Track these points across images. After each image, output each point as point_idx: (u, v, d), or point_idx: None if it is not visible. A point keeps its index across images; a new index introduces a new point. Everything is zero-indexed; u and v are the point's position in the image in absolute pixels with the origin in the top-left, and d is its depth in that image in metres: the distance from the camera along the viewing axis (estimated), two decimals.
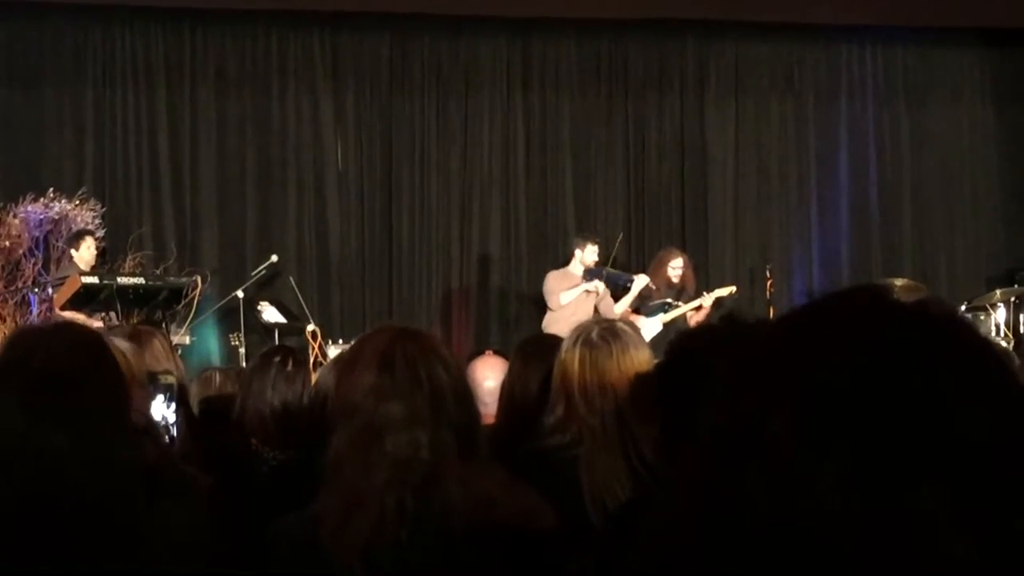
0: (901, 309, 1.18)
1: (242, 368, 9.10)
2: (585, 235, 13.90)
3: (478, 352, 11.59)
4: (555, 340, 4.68)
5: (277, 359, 5.27)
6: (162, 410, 3.69)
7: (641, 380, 3.76)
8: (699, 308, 13.49)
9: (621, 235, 13.89)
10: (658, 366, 2.88)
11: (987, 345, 1.19)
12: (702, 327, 3.08)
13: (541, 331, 13.19)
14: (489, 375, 5.11)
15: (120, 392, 2.88)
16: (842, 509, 1.08)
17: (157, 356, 5.21)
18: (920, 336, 1.14)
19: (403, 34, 15.24)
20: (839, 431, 1.09)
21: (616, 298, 13.54)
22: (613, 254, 13.66)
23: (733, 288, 14.01)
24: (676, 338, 2.82)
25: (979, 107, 16.50)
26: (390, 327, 3.27)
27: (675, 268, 13.76)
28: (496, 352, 6.71)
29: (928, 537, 1.07)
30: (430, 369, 3.04)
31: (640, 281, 13.54)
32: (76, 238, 12.95)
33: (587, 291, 13.17)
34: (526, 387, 4.51)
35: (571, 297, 13.19)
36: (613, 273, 13.60)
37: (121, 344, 3.72)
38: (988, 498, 1.07)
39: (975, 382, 1.12)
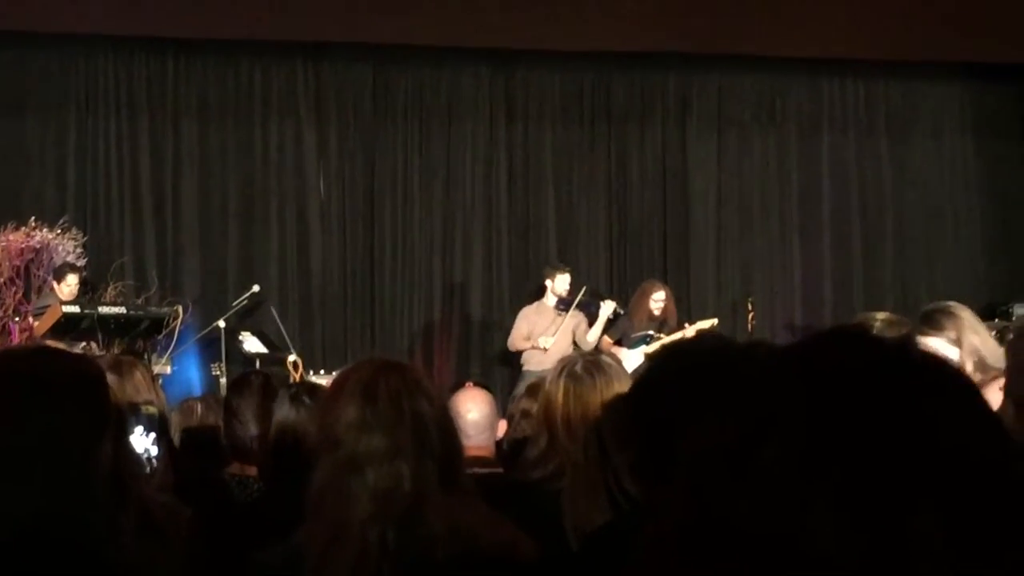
0: (888, 343, 1.19)
1: (223, 396, 9.09)
2: (556, 265, 13.97)
3: (460, 384, 11.65)
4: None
5: (257, 382, 5.26)
6: (143, 441, 3.68)
7: (617, 403, 3.74)
8: None
9: (584, 288, 13.83)
10: (633, 387, 2.88)
11: (965, 377, 1.20)
12: (676, 345, 3.07)
13: (521, 365, 13.31)
14: (471, 407, 5.09)
15: (111, 425, 2.86)
16: (836, 532, 1.08)
17: (138, 387, 5.19)
18: (908, 368, 1.14)
19: (386, 65, 15.26)
20: (832, 457, 1.09)
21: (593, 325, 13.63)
22: (576, 301, 13.60)
23: (715, 321, 14.03)
24: (650, 360, 2.81)
25: (960, 141, 16.57)
26: (372, 360, 3.27)
27: (657, 300, 13.78)
28: (477, 384, 6.71)
29: (924, 561, 1.07)
30: (413, 401, 3.04)
31: (607, 307, 13.61)
32: (61, 272, 12.92)
33: (538, 348, 13.25)
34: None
35: (524, 347, 13.36)
36: (584, 301, 13.63)
37: (107, 375, 3.70)
38: (977, 525, 1.07)
39: (959, 411, 1.12)
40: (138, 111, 14.84)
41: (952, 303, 6.27)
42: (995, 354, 5.72)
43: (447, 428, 3.13)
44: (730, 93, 16.04)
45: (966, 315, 5.88)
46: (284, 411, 4.67)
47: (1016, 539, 1.09)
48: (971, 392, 1.18)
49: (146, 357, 12.01)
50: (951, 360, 1.20)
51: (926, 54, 15.52)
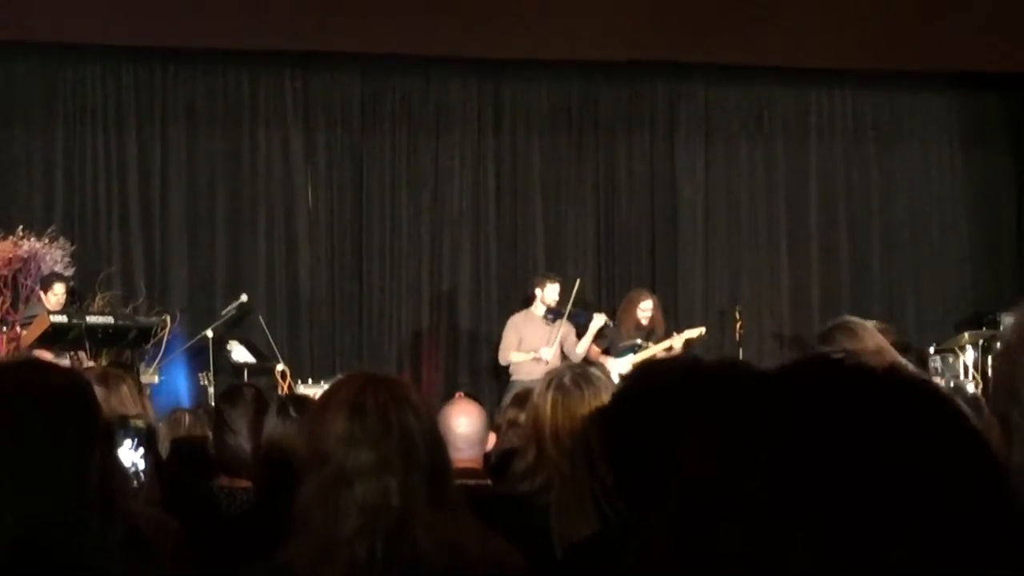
0: (872, 377, 1.19)
1: (211, 407, 9.08)
2: (545, 274, 13.98)
3: (450, 394, 11.63)
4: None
5: (249, 394, 5.26)
6: (131, 455, 3.67)
7: (598, 417, 3.73)
8: (669, 349, 13.52)
9: (579, 281, 13.85)
10: (608, 407, 2.87)
11: (954, 411, 1.20)
12: (657, 363, 3.09)
13: (510, 376, 13.30)
14: (462, 420, 5.07)
15: (99, 440, 2.86)
16: (818, 563, 1.08)
17: (124, 400, 5.18)
18: (890, 404, 1.14)
19: (374, 74, 15.26)
20: (815, 490, 1.09)
21: (580, 336, 13.62)
22: (571, 300, 13.61)
23: (703, 330, 14.04)
24: (624, 379, 2.80)
25: (947, 150, 16.60)
26: (360, 374, 3.27)
27: (644, 310, 13.79)
28: (468, 395, 6.71)
29: None
30: (401, 416, 3.04)
31: (598, 320, 13.61)
32: (48, 281, 12.90)
33: (536, 359, 13.21)
34: None
35: (519, 359, 13.33)
36: (574, 312, 13.63)
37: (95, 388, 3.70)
38: (961, 556, 1.07)
39: (943, 449, 1.12)
40: (126, 120, 14.82)
41: (851, 319, 6.21)
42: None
43: (435, 442, 3.13)
44: (717, 103, 16.06)
45: (864, 331, 5.85)
46: (273, 424, 4.67)
47: (1001, 568, 1.09)
48: (958, 420, 1.18)
49: (134, 367, 11.99)
50: (938, 387, 1.19)
51: (913, 63, 15.55)
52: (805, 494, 1.11)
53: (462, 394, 8.25)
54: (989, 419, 2.24)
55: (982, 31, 14.51)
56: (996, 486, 1.15)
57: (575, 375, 4.16)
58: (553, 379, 4.15)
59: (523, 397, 5.61)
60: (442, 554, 2.92)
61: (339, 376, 10.42)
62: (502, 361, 13.64)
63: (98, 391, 3.95)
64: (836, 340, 5.75)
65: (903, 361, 6.34)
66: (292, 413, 4.62)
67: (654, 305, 13.87)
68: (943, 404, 1.20)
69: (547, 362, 12.99)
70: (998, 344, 13.60)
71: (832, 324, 6.13)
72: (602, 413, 2.78)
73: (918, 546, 1.07)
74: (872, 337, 5.80)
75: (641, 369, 2.83)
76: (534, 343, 13.42)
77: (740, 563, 1.12)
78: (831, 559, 1.08)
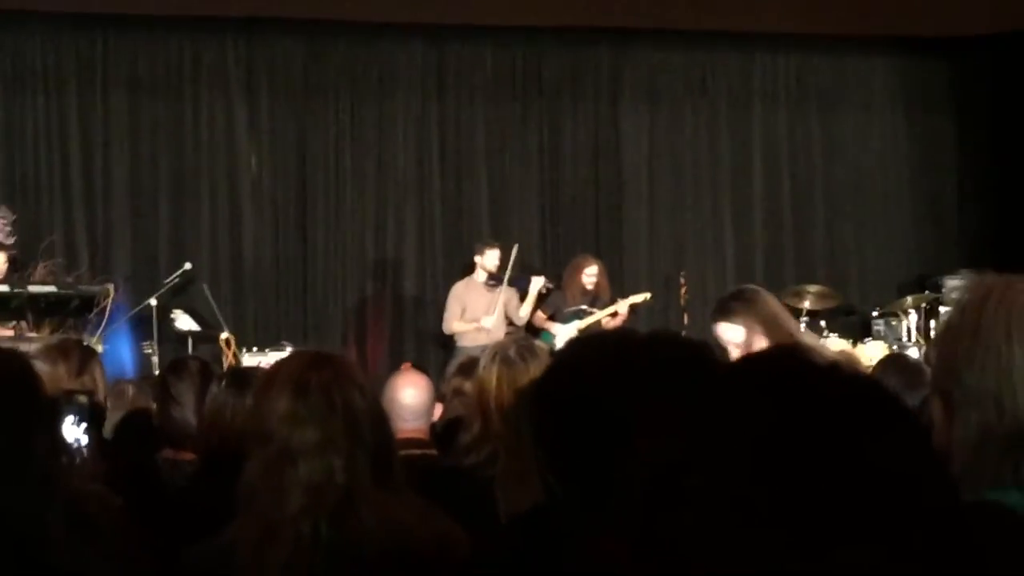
0: (817, 372, 1.19)
1: (154, 377, 9.04)
2: (485, 240, 13.98)
3: (397, 365, 11.62)
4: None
5: (195, 366, 5.25)
6: (73, 431, 3.65)
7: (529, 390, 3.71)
8: (614, 315, 13.56)
9: (516, 246, 13.83)
10: (536, 384, 2.86)
11: (899, 406, 1.20)
12: (591, 336, 3.07)
13: (455, 343, 13.31)
14: (409, 392, 5.06)
15: (40, 419, 2.84)
16: (765, 558, 1.08)
17: (96, 380, 5.17)
18: (835, 400, 1.14)
19: (317, 40, 15.18)
20: (758, 489, 1.09)
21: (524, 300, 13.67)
22: (509, 267, 13.61)
23: (648, 295, 14.09)
24: (562, 348, 2.79)
25: (890, 115, 16.65)
26: (304, 352, 3.27)
27: (589, 275, 13.81)
28: (415, 366, 6.71)
29: None
30: (345, 394, 3.03)
31: (536, 283, 13.64)
32: None
33: (479, 328, 13.24)
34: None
35: (462, 328, 13.36)
36: (514, 277, 13.64)
37: (40, 366, 3.69)
38: (906, 559, 1.08)
39: (890, 444, 1.12)
40: (67, 87, 14.70)
41: (749, 287, 6.17)
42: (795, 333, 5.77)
43: (379, 421, 3.13)
44: (661, 67, 16.05)
45: (760, 300, 5.82)
46: (216, 396, 4.66)
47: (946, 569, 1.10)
48: (908, 422, 1.18)
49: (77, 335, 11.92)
50: (886, 389, 1.19)
51: (856, 28, 15.59)
52: (752, 489, 1.11)
53: (409, 365, 8.25)
54: (931, 394, 2.26)
55: None
56: (941, 486, 1.15)
57: (520, 347, 4.17)
58: (498, 352, 4.16)
59: (468, 365, 5.61)
60: (386, 532, 2.92)
61: (284, 344, 10.44)
62: (446, 330, 13.66)
63: (42, 367, 3.94)
64: (732, 309, 5.73)
65: (799, 330, 6.37)
66: (238, 387, 4.60)
67: (599, 271, 13.89)
68: (895, 406, 1.20)
69: (489, 330, 13.01)
70: (941, 320, 13.75)
71: (729, 293, 6.10)
72: (534, 386, 2.77)
73: (866, 543, 1.08)
74: (768, 305, 5.77)
75: (574, 342, 2.81)
76: (477, 310, 13.44)
77: (696, 556, 1.12)
78: (783, 555, 1.08)
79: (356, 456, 2.98)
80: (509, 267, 13.58)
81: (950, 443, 2.09)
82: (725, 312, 5.72)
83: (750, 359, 1.27)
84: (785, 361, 1.22)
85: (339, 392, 3.03)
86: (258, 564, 2.90)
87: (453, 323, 13.53)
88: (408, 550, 2.93)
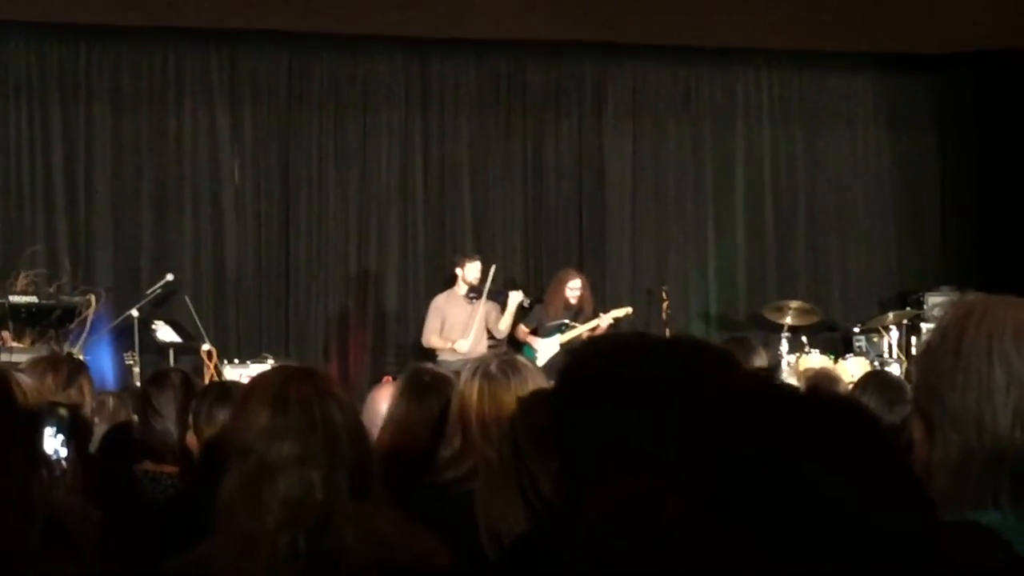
0: (792, 397, 1.19)
1: (136, 389, 9.02)
2: (465, 253, 14.00)
3: (378, 378, 11.60)
4: (438, 375, 4.69)
5: (177, 379, 5.23)
6: (53, 443, 3.63)
7: (533, 402, 3.69)
8: (595, 329, 13.55)
9: (493, 267, 13.80)
10: (552, 391, 2.83)
11: (876, 431, 1.20)
12: (589, 343, 3.02)
13: (436, 355, 13.27)
14: (387, 404, 5.05)
15: (18, 433, 2.83)
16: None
17: (84, 395, 5.15)
18: (811, 426, 1.14)
19: (301, 52, 15.18)
20: (735, 514, 1.09)
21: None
22: (488, 285, 13.59)
23: (629, 309, 14.10)
24: (566, 359, 2.75)
25: (873, 131, 16.68)
26: (284, 367, 3.27)
27: (573, 289, 13.81)
28: (396, 379, 6.69)
29: None
30: (324, 409, 3.03)
31: (515, 297, 13.64)
32: None
33: (454, 349, 13.23)
34: (411, 424, 4.50)
35: (439, 345, 13.36)
36: (493, 290, 13.64)
37: (23, 379, 3.68)
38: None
39: (863, 471, 1.12)
40: (50, 98, 14.68)
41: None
42: None
43: (358, 436, 3.13)
44: (645, 83, 16.08)
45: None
46: (200, 411, 4.65)
47: None
48: (881, 446, 1.18)
49: (58, 346, 11.88)
50: (865, 410, 1.18)
51: (839, 44, 15.63)
52: (728, 515, 1.10)
53: (390, 378, 8.24)
54: (912, 419, 2.26)
55: (908, 13, 14.57)
56: (919, 509, 1.15)
57: (502, 362, 4.16)
58: (479, 367, 4.15)
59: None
60: (366, 547, 2.91)
61: (266, 355, 10.41)
62: (424, 344, 13.65)
63: (27, 380, 3.92)
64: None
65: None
66: (218, 400, 4.60)
67: (583, 284, 13.89)
68: (865, 424, 1.20)
69: (464, 354, 12.98)
70: (923, 339, 13.77)
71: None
72: (552, 395, 2.74)
73: (837, 565, 1.07)
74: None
75: (588, 348, 2.77)
76: (457, 323, 13.45)
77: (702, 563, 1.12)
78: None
79: (335, 471, 2.97)
80: (488, 282, 13.56)
81: (931, 463, 2.09)
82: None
83: (724, 381, 1.27)
84: (756, 386, 1.22)
85: (318, 406, 3.02)
86: None
87: (432, 338, 13.53)
88: (387, 564, 2.92)
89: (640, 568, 1.13)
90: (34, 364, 5.27)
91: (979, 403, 2.02)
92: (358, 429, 3.15)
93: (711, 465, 1.14)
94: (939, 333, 2.12)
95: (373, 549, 2.92)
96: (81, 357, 12.29)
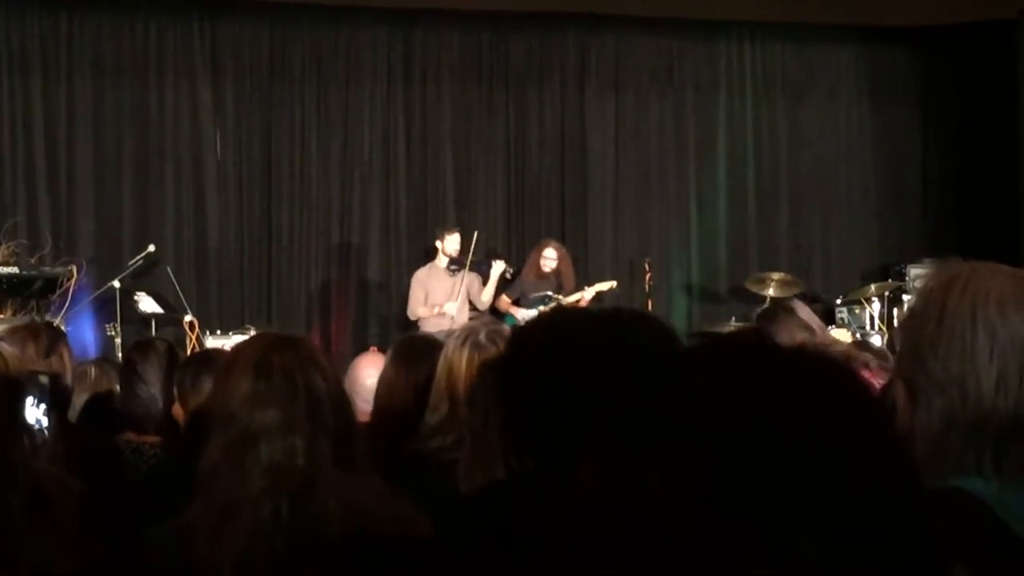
0: (775, 370, 1.17)
1: (117, 359, 8.99)
2: (445, 226, 13.99)
3: (362, 348, 11.59)
4: (431, 341, 4.67)
5: (162, 348, 5.21)
6: (34, 412, 3.62)
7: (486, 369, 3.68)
8: (579, 301, 13.55)
9: (476, 233, 13.82)
10: (498, 362, 2.83)
11: (863, 397, 1.18)
12: (544, 317, 2.99)
13: (416, 328, 13.26)
14: (372, 372, 5.05)
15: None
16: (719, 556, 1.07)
17: (64, 364, 5.12)
18: (793, 399, 1.13)
19: (283, 23, 15.13)
20: (716, 487, 1.08)
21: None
22: (471, 253, 13.60)
23: (614, 283, 14.11)
24: (527, 324, 2.76)
25: (855, 104, 16.70)
26: (266, 334, 3.26)
27: (547, 258, 13.85)
28: (379, 349, 6.69)
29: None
30: (307, 377, 3.03)
31: (497, 267, 13.67)
32: None
33: (441, 314, 13.26)
34: (402, 389, 4.49)
35: (426, 315, 13.37)
36: (476, 261, 13.65)
37: (4, 348, 3.66)
38: (861, 555, 1.07)
39: (847, 442, 1.11)
40: (31, 69, 14.61)
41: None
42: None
43: (341, 404, 3.13)
44: (627, 55, 16.05)
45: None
46: (185, 379, 4.64)
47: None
48: (870, 415, 1.16)
49: (39, 316, 11.86)
50: (852, 372, 1.16)
51: (822, 17, 15.64)
52: (710, 487, 1.09)
53: (375, 348, 8.24)
54: (895, 380, 2.26)
55: None
56: (902, 472, 1.14)
57: (490, 331, 4.15)
58: (468, 335, 4.13)
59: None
60: (348, 515, 2.91)
61: (248, 327, 10.39)
62: (411, 316, 13.66)
63: (12, 352, 3.90)
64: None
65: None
66: (202, 368, 4.59)
67: (559, 255, 13.91)
68: (855, 392, 1.19)
69: (452, 317, 13.05)
70: (906, 307, 13.80)
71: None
72: (499, 360, 2.74)
73: (819, 538, 1.07)
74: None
75: (538, 319, 2.77)
76: (439, 296, 13.47)
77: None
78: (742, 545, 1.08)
79: (317, 438, 2.97)
80: (471, 252, 13.57)
81: (913, 429, 2.09)
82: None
83: (716, 344, 1.26)
84: (751, 346, 1.21)
85: (301, 374, 3.03)
86: (217, 546, 2.89)
87: (418, 309, 13.54)
88: (369, 531, 2.92)
89: (627, 558, 1.12)
90: (13, 332, 5.23)
91: (962, 369, 2.02)
92: (341, 397, 3.15)
93: (693, 449, 1.13)
94: (922, 300, 2.12)
95: (355, 517, 2.92)
96: (63, 328, 12.29)
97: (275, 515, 2.88)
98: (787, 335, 5.80)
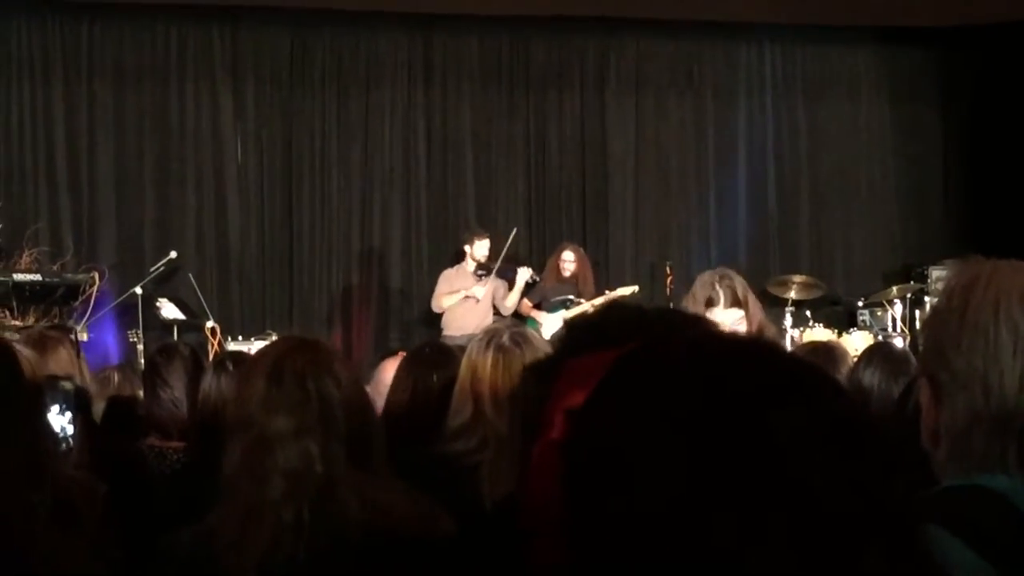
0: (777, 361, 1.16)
1: (140, 365, 9.01)
2: (475, 230, 14.00)
3: (384, 352, 11.59)
4: (444, 348, 4.68)
5: (186, 352, 5.21)
6: (59, 420, 3.63)
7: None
8: None
9: (515, 229, 13.86)
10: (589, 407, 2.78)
11: (837, 399, 1.17)
12: (582, 318, 2.94)
13: (441, 330, 13.28)
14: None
15: (24, 405, 2.83)
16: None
17: (61, 363, 5.13)
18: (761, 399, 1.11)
19: (303, 29, 15.16)
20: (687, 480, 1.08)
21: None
22: (505, 249, 13.61)
23: (635, 288, 14.07)
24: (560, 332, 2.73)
25: (875, 104, 16.66)
26: (286, 339, 3.27)
27: (565, 260, 13.86)
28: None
29: None
30: (319, 383, 3.03)
31: (523, 274, 13.63)
32: None
33: (467, 296, 13.27)
34: (416, 395, 4.49)
35: (452, 301, 13.39)
36: (502, 267, 13.64)
37: (23, 351, 3.67)
38: (831, 558, 1.06)
39: (821, 443, 1.10)
40: (53, 75, 14.67)
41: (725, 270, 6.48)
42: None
43: (359, 408, 3.12)
44: (647, 58, 16.05)
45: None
46: (209, 383, 4.63)
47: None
48: (844, 415, 1.15)
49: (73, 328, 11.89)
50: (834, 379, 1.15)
51: (841, 18, 15.61)
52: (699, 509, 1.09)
53: (403, 352, 8.24)
54: (919, 378, 2.25)
55: None
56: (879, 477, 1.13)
57: (513, 334, 4.13)
58: (492, 338, 4.11)
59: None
60: (369, 515, 2.92)
61: (269, 333, 10.38)
62: (435, 308, 13.61)
63: (30, 355, 3.92)
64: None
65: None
66: (230, 368, 4.59)
67: (577, 257, 13.91)
68: (823, 389, 1.17)
69: (478, 300, 13.08)
70: (929, 306, 13.77)
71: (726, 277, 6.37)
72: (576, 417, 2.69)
73: (790, 542, 1.06)
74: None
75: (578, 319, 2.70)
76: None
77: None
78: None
79: (331, 443, 2.98)
80: (504, 250, 13.56)
81: (938, 427, 2.09)
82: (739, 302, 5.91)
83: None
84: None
85: (313, 381, 3.03)
86: (240, 551, 2.89)
87: (442, 298, 13.50)
88: (391, 531, 2.92)
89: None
90: (26, 339, 5.25)
91: (986, 365, 2.02)
92: (358, 401, 3.15)
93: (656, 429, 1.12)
94: (945, 296, 2.12)
95: (376, 518, 2.92)
96: (85, 335, 12.34)
97: (297, 519, 2.88)
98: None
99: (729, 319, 6.06)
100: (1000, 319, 2.02)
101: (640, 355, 1.19)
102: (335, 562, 2.89)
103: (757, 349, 1.18)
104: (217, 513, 3.00)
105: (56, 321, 11.90)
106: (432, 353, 4.77)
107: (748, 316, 6.16)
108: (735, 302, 6.21)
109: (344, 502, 2.91)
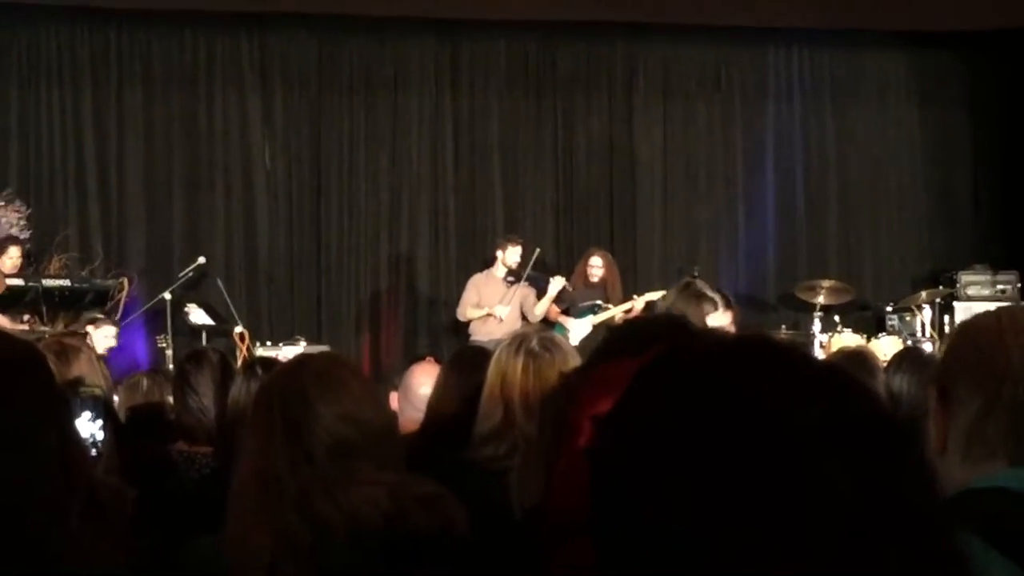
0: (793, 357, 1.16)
1: (169, 371, 9.04)
2: (508, 236, 13.99)
3: (412, 358, 11.61)
4: (484, 351, 4.66)
5: (215, 358, 5.22)
6: (89, 427, 3.64)
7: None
8: (630, 311, 13.52)
9: (537, 251, 13.82)
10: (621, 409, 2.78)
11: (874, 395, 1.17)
12: (631, 322, 2.92)
13: (469, 335, 13.27)
14: (425, 381, 5.03)
15: (55, 410, 2.84)
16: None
17: (83, 370, 5.13)
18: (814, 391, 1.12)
19: (331, 35, 15.19)
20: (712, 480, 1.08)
21: (540, 299, 13.64)
22: (530, 266, 13.59)
23: (664, 292, 14.03)
24: (605, 336, 2.72)
25: (904, 109, 16.62)
26: (300, 358, 3.29)
27: (593, 266, 13.83)
28: (436, 359, 6.68)
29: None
30: (286, 406, 3.06)
31: (556, 283, 13.61)
32: (2, 245, 12.81)
33: (490, 315, 13.27)
34: (453, 399, 4.48)
35: (475, 315, 13.38)
36: (533, 275, 13.63)
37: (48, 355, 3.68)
38: (857, 559, 1.06)
39: (826, 443, 1.10)
40: (82, 82, 14.73)
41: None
42: None
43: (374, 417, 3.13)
44: (675, 62, 16.04)
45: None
46: (239, 389, 4.64)
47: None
48: (849, 405, 1.15)
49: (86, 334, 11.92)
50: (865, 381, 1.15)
51: (870, 22, 15.57)
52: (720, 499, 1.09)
53: (432, 358, 8.23)
54: (928, 388, 2.26)
55: None
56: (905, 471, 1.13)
57: (542, 339, 4.11)
58: (522, 342, 4.08)
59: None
60: (380, 516, 2.91)
61: (298, 338, 10.40)
62: (460, 316, 13.65)
63: (54, 362, 3.93)
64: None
65: None
66: (259, 373, 4.59)
67: (605, 262, 13.89)
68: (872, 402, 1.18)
69: (501, 319, 13.05)
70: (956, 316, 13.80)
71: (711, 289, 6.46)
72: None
73: (784, 537, 1.06)
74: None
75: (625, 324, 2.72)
76: (491, 303, 13.44)
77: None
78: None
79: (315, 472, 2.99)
80: (530, 265, 13.55)
81: (945, 434, 2.10)
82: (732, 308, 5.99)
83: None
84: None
85: (280, 402, 3.05)
86: (245, 557, 2.90)
87: (467, 309, 13.52)
88: (405, 530, 2.92)
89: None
90: (46, 347, 5.26)
91: (1002, 365, 2.03)
92: (373, 409, 3.15)
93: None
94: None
95: (389, 516, 2.91)
96: (114, 341, 12.36)
97: (302, 527, 2.89)
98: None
99: (726, 322, 6.13)
100: (1006, 331, 2.05)
101: (665, 361, 1.20)
102: (348, 562, 2.89)
103: (781, 352, 1.18)
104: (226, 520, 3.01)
105: (97, 324, 11.90)
106: (475, 356, 4.76)
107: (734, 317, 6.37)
108: (728, 305, 6.31)
109: (355, 502, 2.90)
